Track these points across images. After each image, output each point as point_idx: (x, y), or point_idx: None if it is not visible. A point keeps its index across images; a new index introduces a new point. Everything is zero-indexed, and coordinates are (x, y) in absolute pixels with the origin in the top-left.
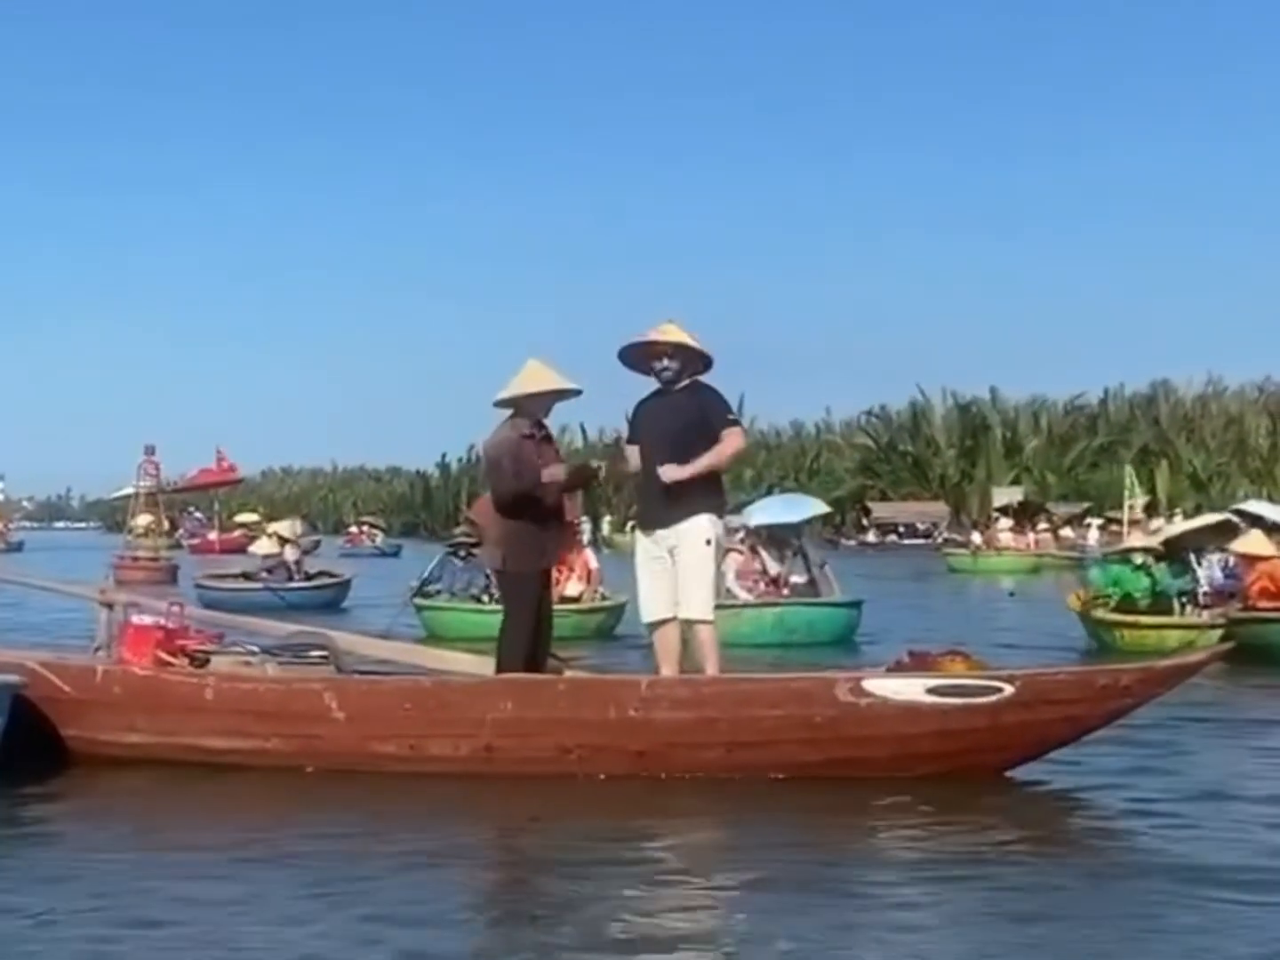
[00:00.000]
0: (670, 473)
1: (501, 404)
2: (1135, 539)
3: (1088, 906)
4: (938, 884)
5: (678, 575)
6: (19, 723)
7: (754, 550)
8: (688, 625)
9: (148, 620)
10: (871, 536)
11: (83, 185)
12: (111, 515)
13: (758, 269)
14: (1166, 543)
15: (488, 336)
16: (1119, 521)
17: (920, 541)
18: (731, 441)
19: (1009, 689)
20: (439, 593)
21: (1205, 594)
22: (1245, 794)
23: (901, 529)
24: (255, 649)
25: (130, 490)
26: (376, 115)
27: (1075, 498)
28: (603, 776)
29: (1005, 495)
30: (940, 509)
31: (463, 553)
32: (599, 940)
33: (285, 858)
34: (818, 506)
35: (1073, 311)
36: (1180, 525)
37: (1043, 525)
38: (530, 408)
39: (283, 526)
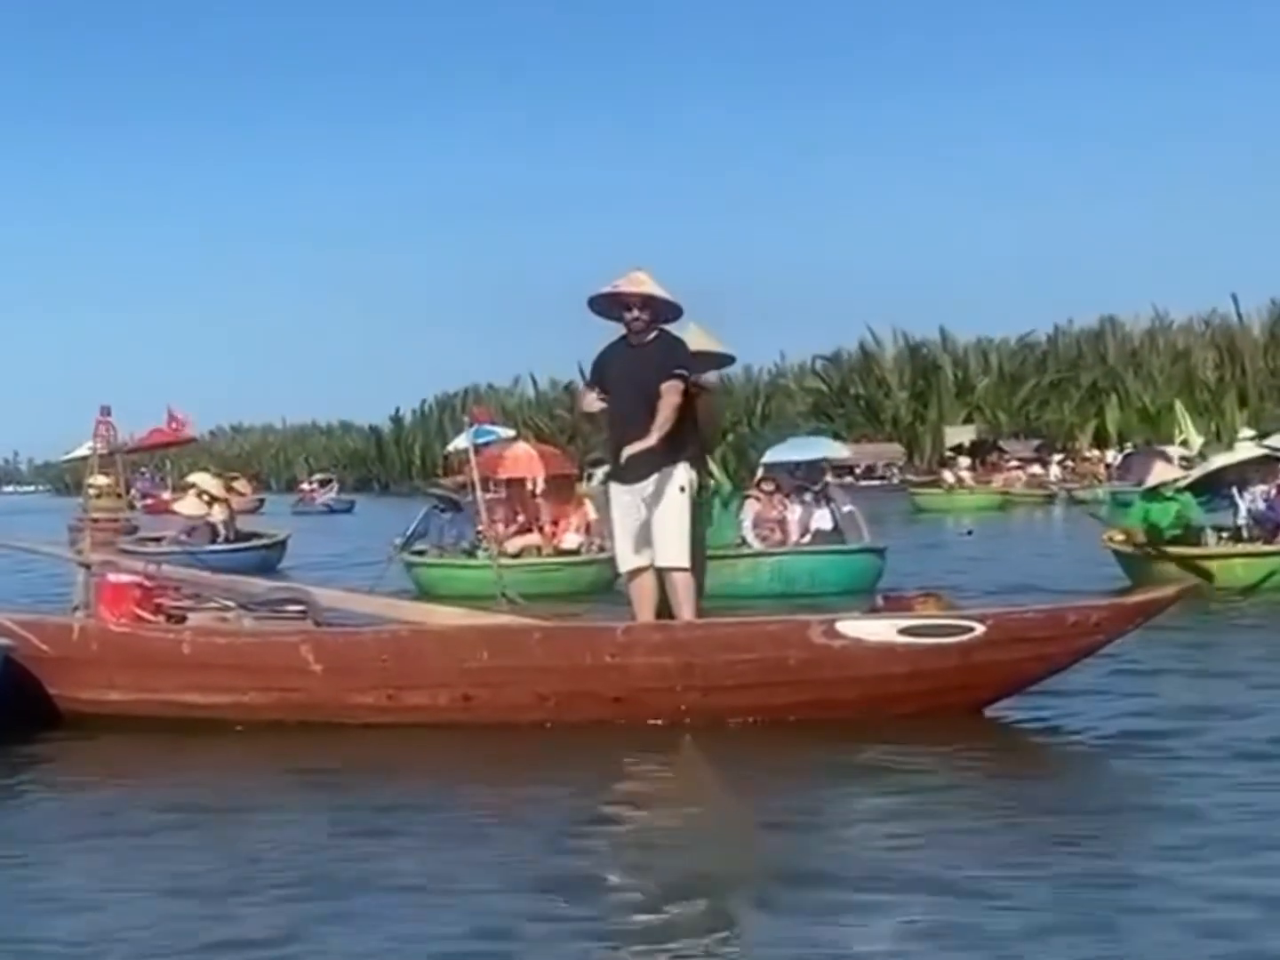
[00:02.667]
0: (632, 449)
1: None
2: (1161, 473)
3: (1069, 832)
4: (918, 816)
5: (652, 523)
6: (6, 683)
7: (773, 495)
8: (664, 573)
9: (125, 579)
10: (829, 479)
11: (22, 140)
12: (61, 478)
13: (709, 213)
14: (1207, 477)
15: (436, 289)
16: (1075, 457)
17: (877, 482)
18: (668, 396)
19: (980, 628)
20: (426, 549)
21: (1247, 526)
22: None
23: (858, 470)
24: (232, 605)
25: (85, 451)
26: (319, 66)
27: (1027, 435)
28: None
29: (958, 435)
30: (896, 450)
31: (447, 506)
32: (586, 889)
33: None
34: (831, 448)
35: (1020, 249)
36: (1219, 460)
37: (1013, 463)
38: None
39: (211, 484)
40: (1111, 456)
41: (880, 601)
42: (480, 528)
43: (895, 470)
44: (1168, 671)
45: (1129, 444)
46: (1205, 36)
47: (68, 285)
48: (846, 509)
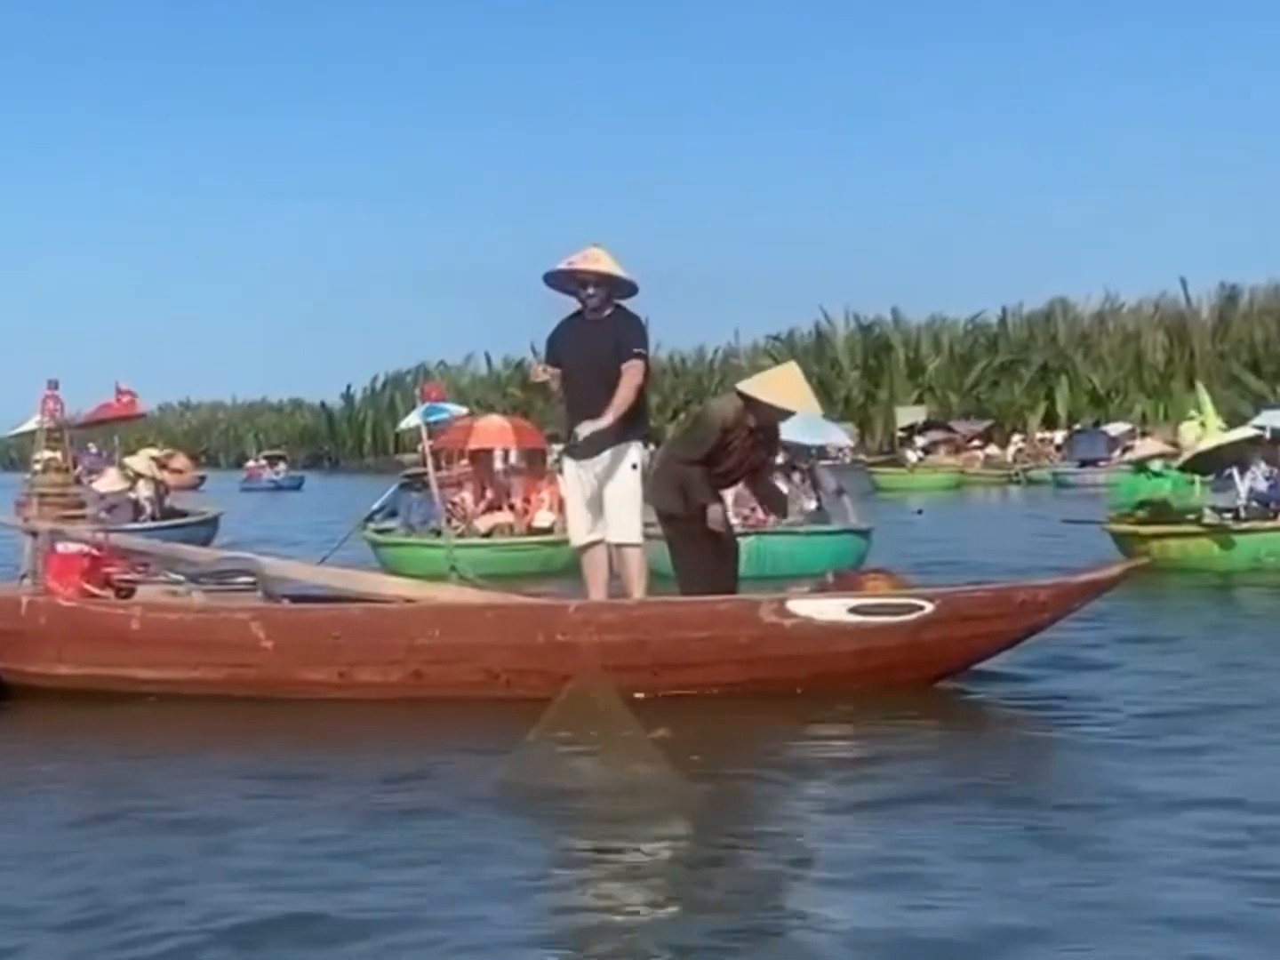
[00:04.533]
0: (586, 429)
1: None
2: (1148, 446)
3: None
4: (863, 781)
5: (604, 499)
6: None
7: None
8: (617, 549)
9: (72, 549)
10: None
11: None
12: (6, 453)
13: (662, 193)
14: (1200, 456)
15: (386, 265)
16: (1029, 438)
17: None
18: (629, 377)
19: (929, 607)
20: (393, 527)
21: (1246, 507)
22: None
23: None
24: (181, 578)
25: (32, 426)
26: (270, 34)
27: (978, 416)
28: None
29: (909, 415)
30: (852, 430)
31: (419, 484)
32: (548, 868)
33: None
34: (838, 433)
35: (973, 230)
36: (1213, 439)
37: (975, 442)
38: (760, 411)
39: (138, 460)
40: (1059, 437)
41: (831, 579)
42: (449, 504)
43: (846, 451)
44: (1137, 644)
45: (1077, 424)
46: (1163, 24)
47: (10, 257)
48: (833, 489)
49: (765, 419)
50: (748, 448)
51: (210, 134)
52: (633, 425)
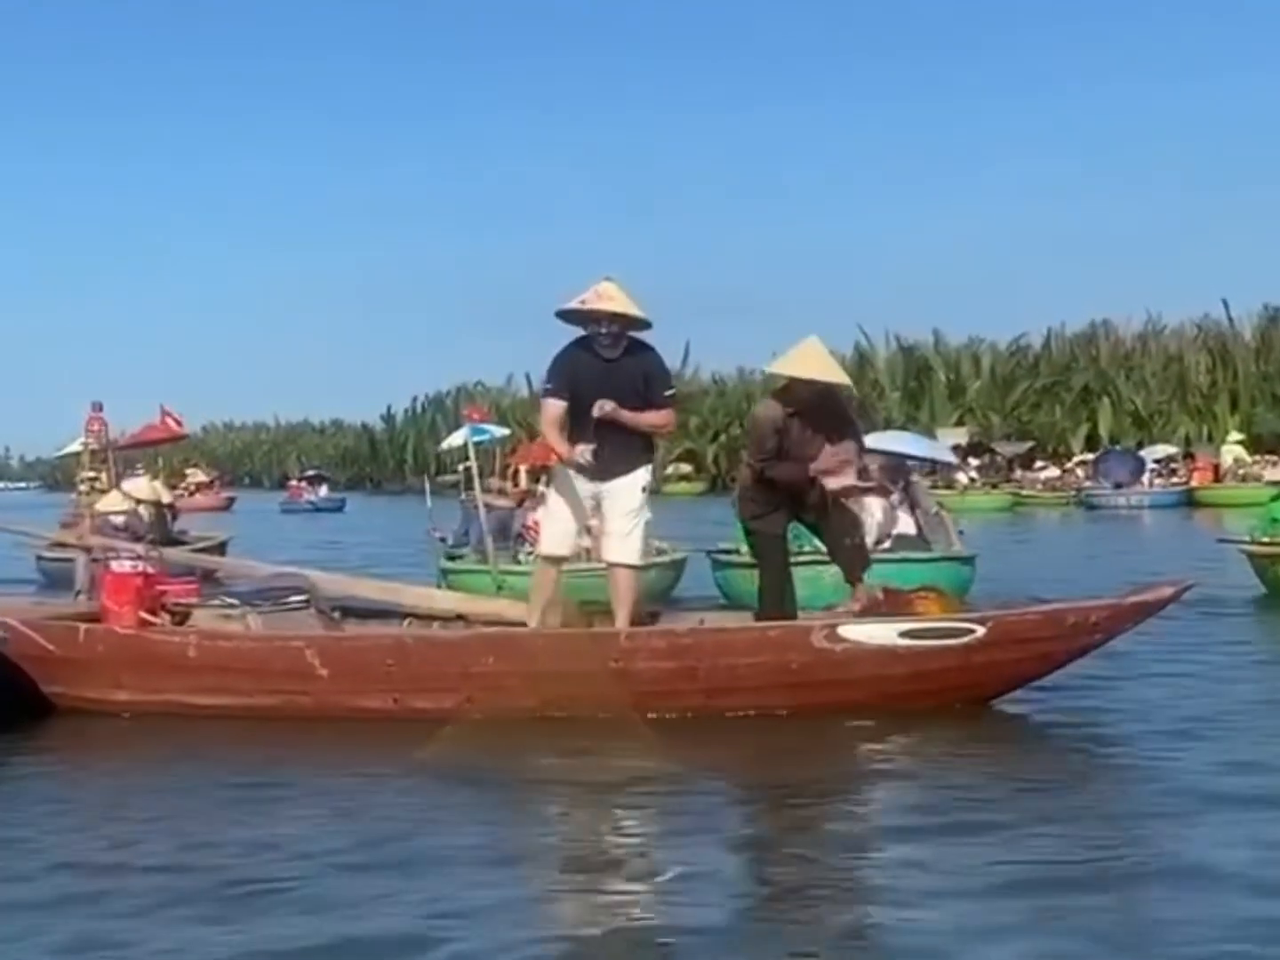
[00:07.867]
0: (606, 406)
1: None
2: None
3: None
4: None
5: (606, 518)
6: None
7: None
8: (609, 568)
9: (126, 567)
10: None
11: (15, 137)
12: (53, 474)
13: (703, 214)
14: None
15: (428, 288)
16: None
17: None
18: (665, 415)
19: (981, 630)
20: (466, 552)
21: None
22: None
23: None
24: (235, 601)
25: (77, 448)
26: (307, 69)
27: (1018, 438)
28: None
29: (950, 436)
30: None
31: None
32: (597, 881)
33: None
34: (937, 450)
35: (1015, 252)
36: None
37: (1039, 464)
38: (797, 390)
39: (137, 485)
40: (1089, 458)
41: (880, 595)
42: (524, 527)
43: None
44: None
45: (1117, 446)
46: (1206, 38)
47: (58, 279)
48: (933, 511)
49: (799, 396)
50: (810, 431)
51: (250, 160)
52: (648, 449)
